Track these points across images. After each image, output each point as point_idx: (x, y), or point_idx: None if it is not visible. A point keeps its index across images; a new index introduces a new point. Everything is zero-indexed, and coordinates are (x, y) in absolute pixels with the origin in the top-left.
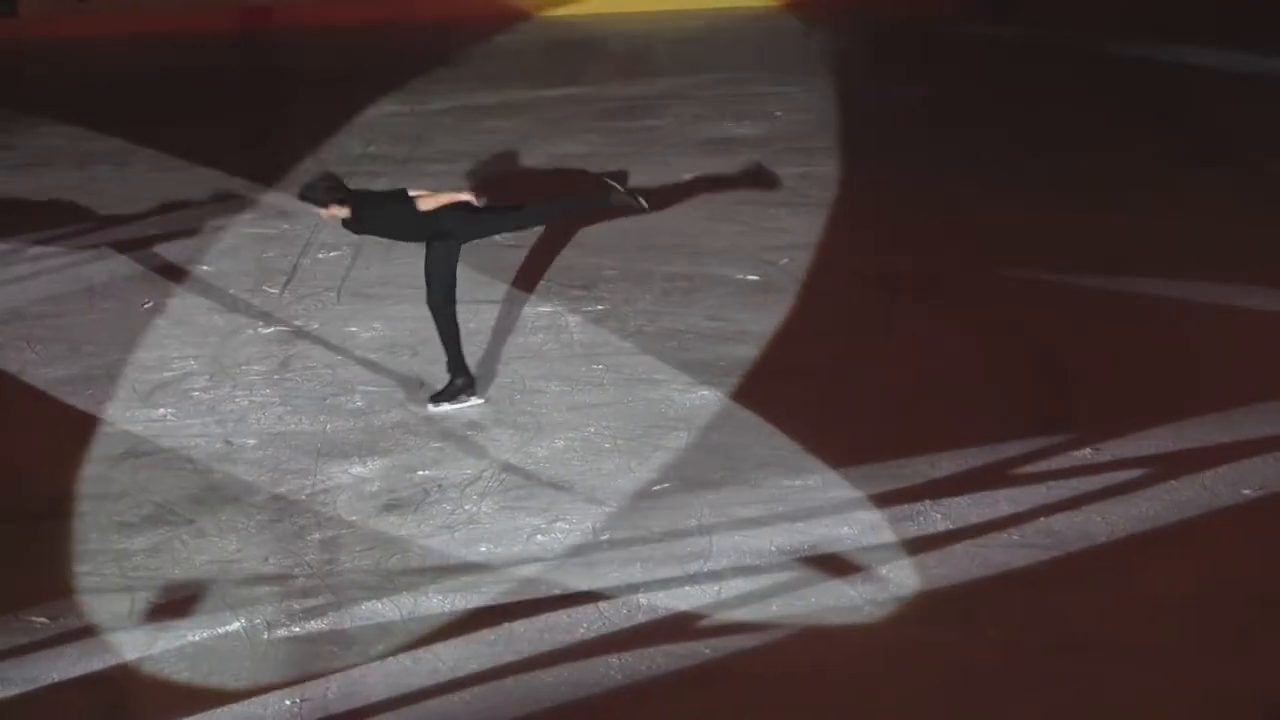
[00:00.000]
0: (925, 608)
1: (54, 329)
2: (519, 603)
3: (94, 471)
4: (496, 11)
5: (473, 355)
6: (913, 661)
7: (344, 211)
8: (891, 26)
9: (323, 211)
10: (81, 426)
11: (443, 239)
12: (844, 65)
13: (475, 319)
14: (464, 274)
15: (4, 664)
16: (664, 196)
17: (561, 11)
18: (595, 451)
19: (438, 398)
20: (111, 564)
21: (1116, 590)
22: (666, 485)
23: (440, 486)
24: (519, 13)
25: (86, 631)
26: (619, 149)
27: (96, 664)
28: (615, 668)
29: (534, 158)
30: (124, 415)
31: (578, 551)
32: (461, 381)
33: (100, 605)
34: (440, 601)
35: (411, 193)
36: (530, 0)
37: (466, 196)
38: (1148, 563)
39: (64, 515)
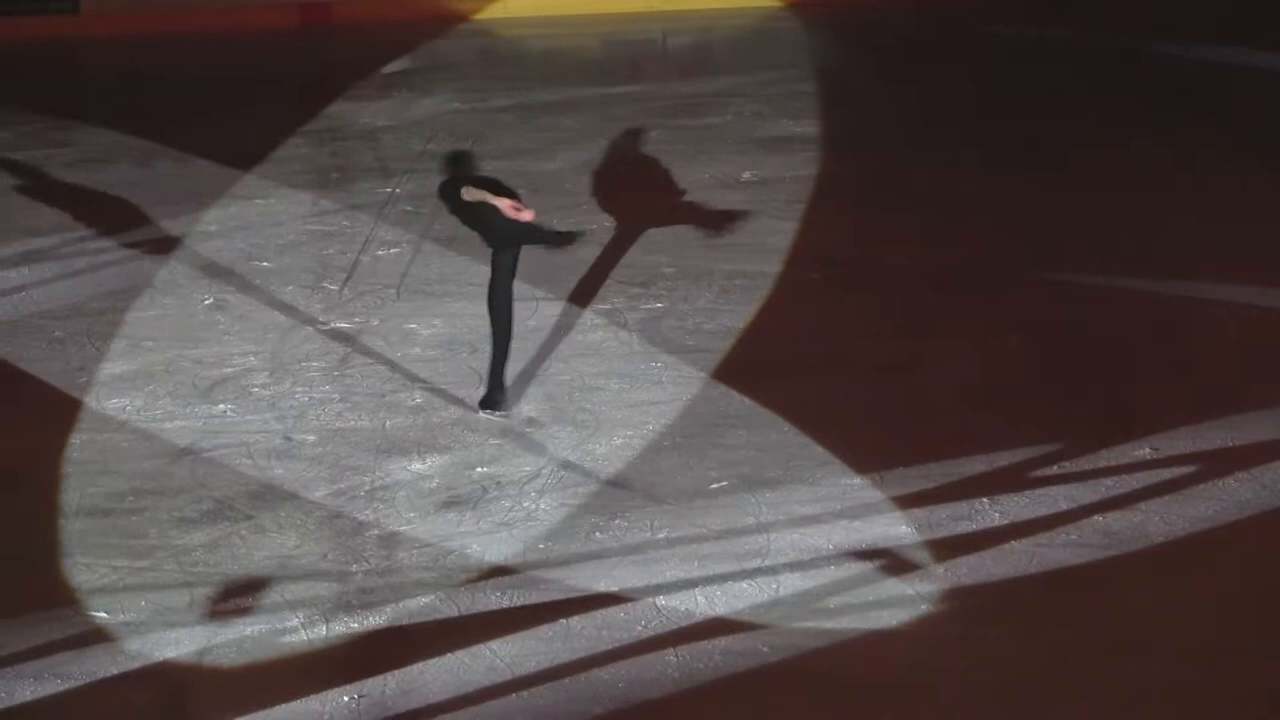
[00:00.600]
0: (983, 606)
1: (115, 325)
2: (577, 600)
3: (154, 467)
4: (550, 9)
5: (532, 352)
6: (971, 660)
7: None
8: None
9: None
10: (141, 422)
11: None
12: (899, 60)
13: (535, 316)
14: (523, 271)
15: (64, 658)
16: (723, 194)
17: (620, 9)
18: (654, 449)
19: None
20: (171, 559)
21: (1174, 591)
22: (724, 483)
23: (499, 484)
24: (573, 10)
25: (146, 626)
26: (680, 146)
27: (155, 659)
28: (673, 666)
29: (594, 155)
30: (184, 411)
31: (636, 549)
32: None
33: (159, 600)
34: (498, 599)
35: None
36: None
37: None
38: (1206, 563)
39: (124, 511)
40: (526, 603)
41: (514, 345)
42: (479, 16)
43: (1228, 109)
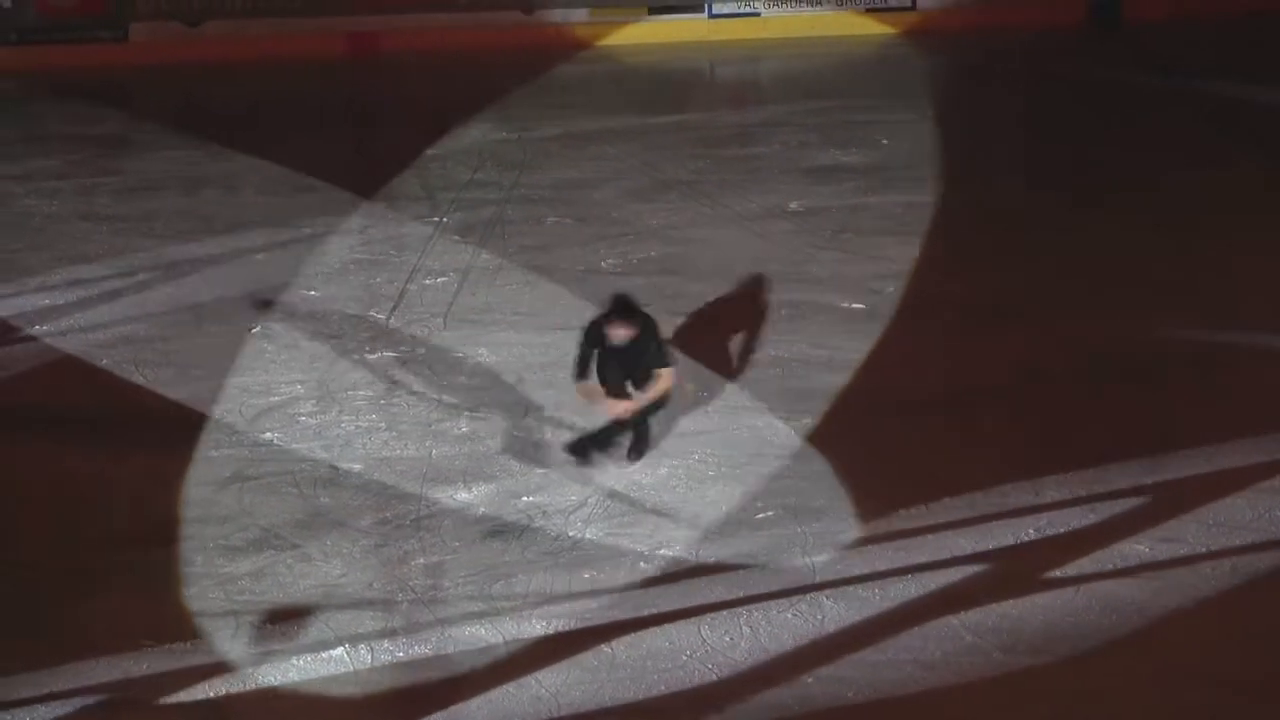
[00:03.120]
0: (1031, 637)
1: (162, 353)
2: (622, 630)
3: (200, 495)
4: (600, 39)
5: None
6: (1020, 692)
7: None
8: (996, 52)
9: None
10: (188, 450)
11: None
12: (945, 91)
13: None
14: (571, 303)
15: (108, 686)
16: (770, 224)
17: (667, 39)
18: (699, 479)
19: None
20: (217, 588)
21: (1221, 622)
22: (770, 513)
23: (545, 513)
24: (622, 40)
25: (190, 655)
26: (726, 176)
27: (201, 688)
28: (719, 696)
29: (642, 184)
30: (230, 439)
31: (680, 579)
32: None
33: (205, 629)
34: (543, 628)
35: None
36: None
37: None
38: (1254, 594)
39: (170, 539)
40: (571, 632)
41: (559, 374)
42: (528, 46)
43: (1274, 146)
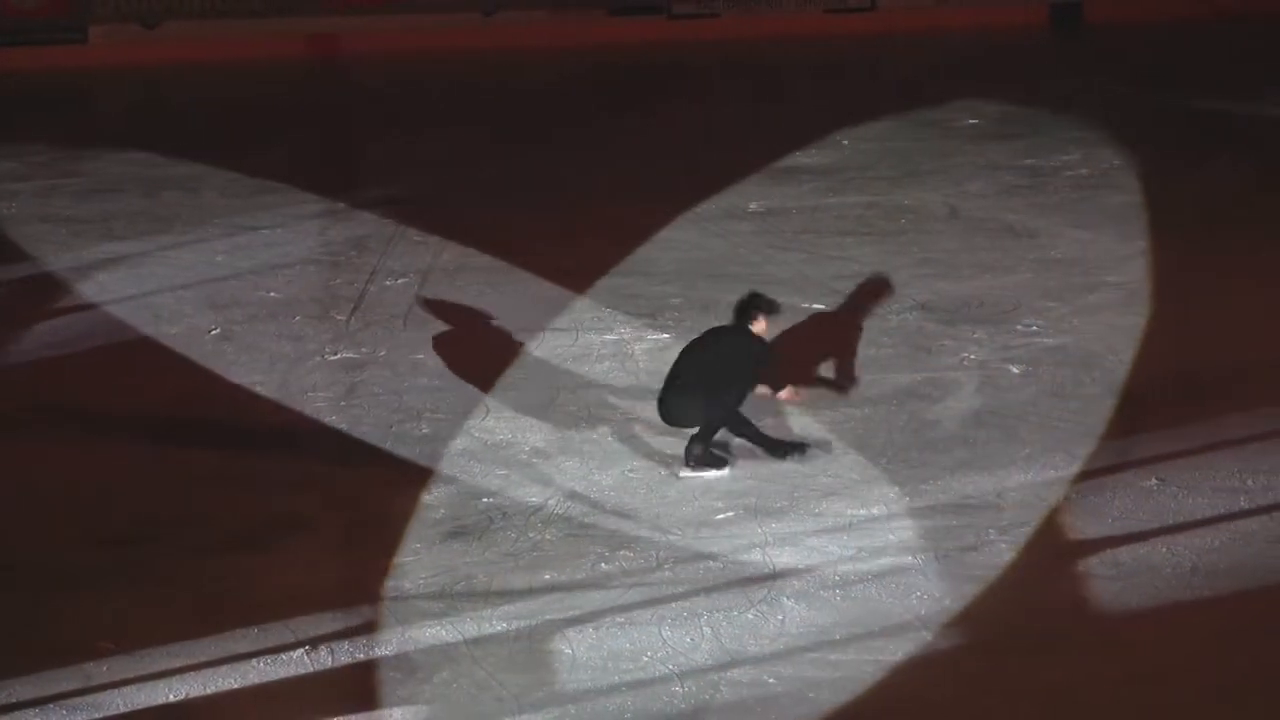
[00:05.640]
0: (991, 636)
1: (123, 354)
2: (582, 630)
3: (164, 499)
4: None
5: (539, 383)
6: (980, 690)
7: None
8: (956, 53)
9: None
10: (152, 452)
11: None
12: (905, 92)
13: (541, 347)
14: (532, 304)
15: (71, 688)
16: (730, 224)
17: (629, 41)
18: (659, 480)
19: (698, 463)
20: (182, 590)
21: (1180, 621)
22: (730, 514)
23: (505, 514)
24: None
25: (155, 656)
26: (689, 176)
27: (163, 691)
28: (679, 697)
29: (604, 186)
30: (192, 441)
31: (641, 580)
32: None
33: (169, 631)
34: (504, 628)
35: None
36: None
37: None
38: (1213, 594)
39: (133, 541)
40: (532, 633)
41: (520, 375)
42: (485, 47)
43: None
